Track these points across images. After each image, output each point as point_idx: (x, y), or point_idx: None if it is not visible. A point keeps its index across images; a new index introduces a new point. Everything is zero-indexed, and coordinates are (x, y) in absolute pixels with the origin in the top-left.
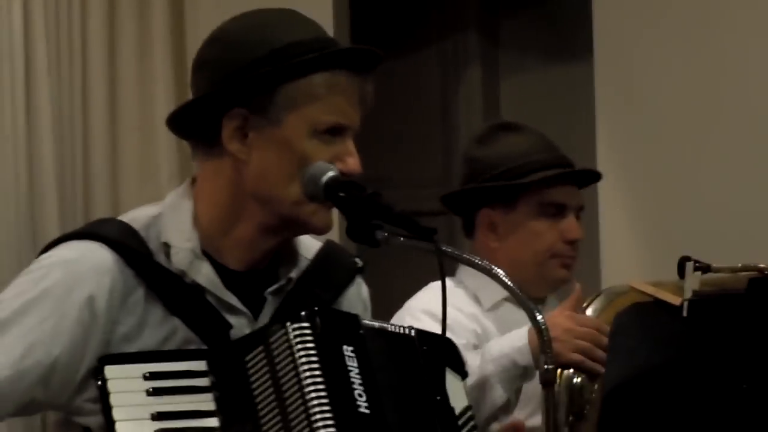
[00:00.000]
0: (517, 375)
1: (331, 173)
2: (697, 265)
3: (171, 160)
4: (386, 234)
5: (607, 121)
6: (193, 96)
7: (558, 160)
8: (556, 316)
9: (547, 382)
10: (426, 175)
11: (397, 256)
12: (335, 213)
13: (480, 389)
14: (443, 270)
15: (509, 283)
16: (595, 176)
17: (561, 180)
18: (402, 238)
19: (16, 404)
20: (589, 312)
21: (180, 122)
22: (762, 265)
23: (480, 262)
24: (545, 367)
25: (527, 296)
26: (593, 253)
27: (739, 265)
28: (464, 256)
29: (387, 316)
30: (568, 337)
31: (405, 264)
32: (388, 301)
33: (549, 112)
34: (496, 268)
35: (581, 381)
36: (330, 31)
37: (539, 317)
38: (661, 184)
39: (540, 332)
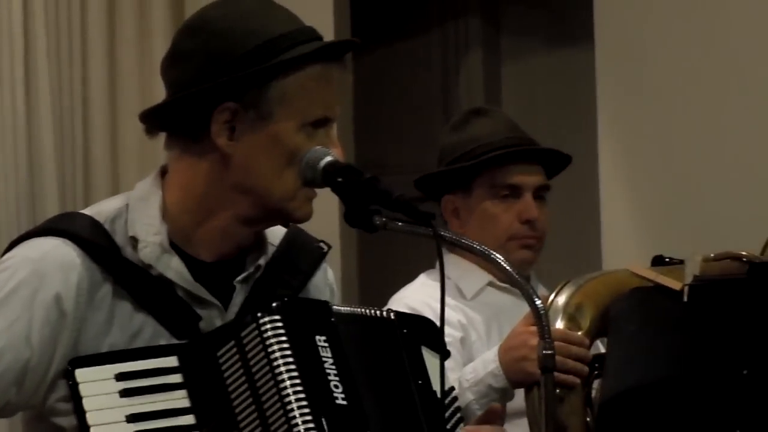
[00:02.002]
0: (495, 399)
1: (329, 158)
2: (669, 261)
3: None
4: (384, 219)
5: (609, 107)
6: (170, 88)
7: (508, 141)
8: (520, 333)
9: (545, 368)
10: (427, 161)
11: (399, 245)
12: (334, 198)
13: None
14: (441, 254)
15: (508, 267)
16: (554, 155)
17: (506, 160)
18: (400, 223)
19: None
20: (560, 299)
21: (161, 116)
22: (743, 253)
23: (478, 247)
24: (544, 352)
25: (515, 279)
26: (595, 242)
27: (712, 255)
28: (462, 240)
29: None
30: (536, 355)
31: (406, 252)
32: (389, 291)
33: (550, 98)
34: (493, 252)
35: (560, 393)
36: (330, 15)
37: (538, 302)
38: (662, 170)
39: (539, 317)
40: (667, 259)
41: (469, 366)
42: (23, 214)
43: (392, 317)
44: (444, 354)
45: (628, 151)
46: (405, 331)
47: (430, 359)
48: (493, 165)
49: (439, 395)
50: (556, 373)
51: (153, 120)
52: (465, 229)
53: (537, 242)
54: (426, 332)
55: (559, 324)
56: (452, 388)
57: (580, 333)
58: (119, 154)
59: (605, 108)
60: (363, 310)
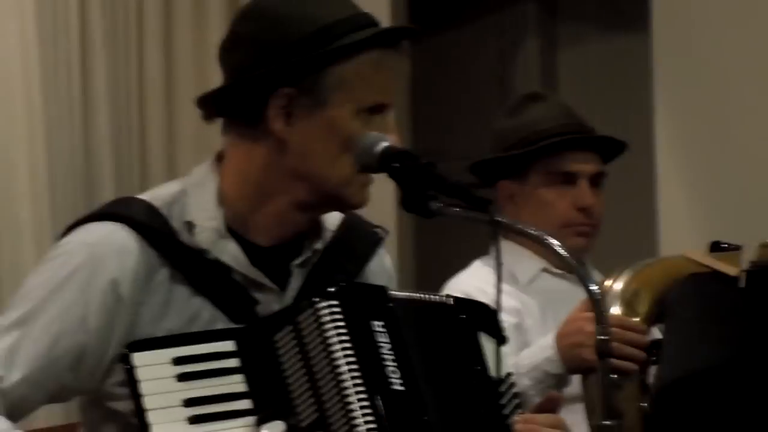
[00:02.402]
0: (551, 385)
1: (385, 143)
2: (727, 247)
3: None
4: (440, 204)
5: (665, 92)
6: (228, 73)
7: (565, 128)
8: (576, 320)
9: (601, 353)
10: (482, 148)
11: (455, 231)
12: (390, 184)
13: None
14: (498, 240)
15: (564, 252)
16: (610, 143)
17: (563, 147)
18: (456, 209)
19: (48, 393)
20: (618, 285)
21: (217, 101)
22: None
23: (534, 232)
24: (599, 337)
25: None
26: (651, 226)
27: None
28: (518, 226)
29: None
30: (593, 341)
31: (462, 238)
32: (445, 276)
33: (607, 83)
34: (549, 237)
35: (617, 379)
36: (386, 1)
37: (593, 287)
38: (719, 156)
39: (595, 302)
40: (724, 245)
41: (526, 351)
42: (79, 200)
43: (451, 302)
44: (501, 340)
45: (684, 136)
46: (463, 316)
47: (488, 345)
48: (549, 152)
49: (496, 381)
50: (613, 360)
51: (210, 105)
52: (520, 215)
53: (592, 229)
54: (484, 318)
55: (616, 310)
56: (510, 374)
57: (637, 319)
58: (175, 140)
59: (661, 94)
60: (420, 295)
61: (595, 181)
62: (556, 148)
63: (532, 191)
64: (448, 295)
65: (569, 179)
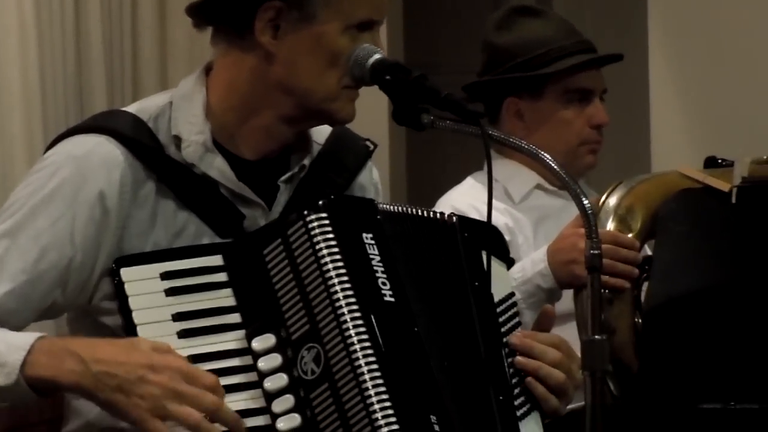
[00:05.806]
0: (542, 299)
1: (377, 56)
2: (722, 163)
3: None
4: (432, 117)
5: (659, 5)
6: None
7: (581, 45)
8: (569, 236)
9: (592, 268)
10: (475, 61)
11: (448, 145)
12: (383, 98)
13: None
14: (489, 153)
15: (556, 166)
16: (616, 58)
17: (587, 66)
18: (448, 122)
19: (37, 309)
20: (612, 201)
21: (207, 9)
22: None
23: (526, 146)
24: (590, 252)
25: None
26: (643, 140)
27: (765, 157)
28: (510, 139)
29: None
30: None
31: (455, 153)
32: (438, 190)
33: None
34: (541, 152)
35: (610, 295)
36: None
37: (585, 201)
38: (713, 70)
39: (586, 216)
40: (720, 161)
41: (518, 265)
42: (71, 111)
43: (445, 218)
44: (508, 261)
45: (678, 49)
46: (465, 234)
47: (492, 264)
48: (573, 71)
49: (495, 299)
50: (606, 277)
51: (200, 13)
52: (531, 133)
53: (600, 147)
54: (489, 238)
55: (610, 226)
56: (512, 294)
57: (630, 235)
58: (168, 49)
59: (656, 7)
60: (413, 209)
61: (602, 97)
62: (582, 67)
63: (549, 109)
64: (452, 214)
65: (584, 96)
